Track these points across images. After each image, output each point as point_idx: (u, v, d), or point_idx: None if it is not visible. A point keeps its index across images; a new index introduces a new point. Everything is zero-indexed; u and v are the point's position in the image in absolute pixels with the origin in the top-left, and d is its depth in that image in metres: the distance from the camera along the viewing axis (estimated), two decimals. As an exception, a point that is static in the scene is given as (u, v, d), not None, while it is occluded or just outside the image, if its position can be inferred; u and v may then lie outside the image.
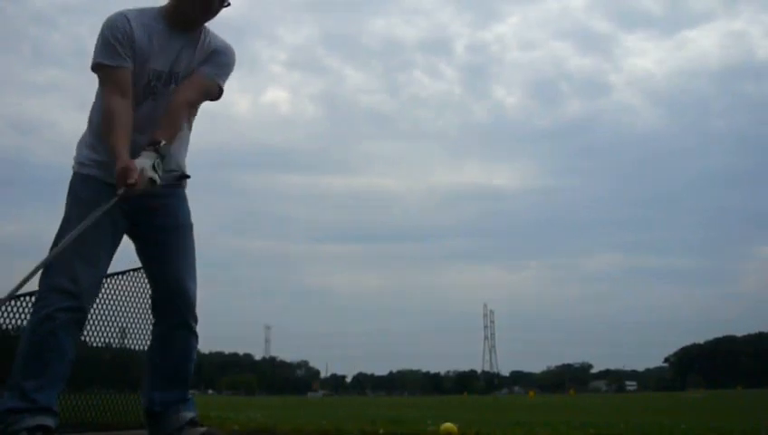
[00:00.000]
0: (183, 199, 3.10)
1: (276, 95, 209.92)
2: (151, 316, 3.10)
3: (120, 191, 2.62)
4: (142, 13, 2.93)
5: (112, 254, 2.94)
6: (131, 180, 2.60)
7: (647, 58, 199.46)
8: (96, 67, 2.86)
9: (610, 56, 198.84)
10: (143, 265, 3.13)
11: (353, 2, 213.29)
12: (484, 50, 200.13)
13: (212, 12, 2.92)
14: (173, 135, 2.86)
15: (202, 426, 3.03)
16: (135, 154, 2.74)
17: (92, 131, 2.95)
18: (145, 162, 2.68)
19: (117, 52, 2.82)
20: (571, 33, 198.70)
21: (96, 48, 2.85)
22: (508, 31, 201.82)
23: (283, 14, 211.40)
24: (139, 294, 4.70)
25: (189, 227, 3.10)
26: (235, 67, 3.09)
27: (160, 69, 2.90)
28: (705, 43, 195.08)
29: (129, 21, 2.86)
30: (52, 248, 2.77)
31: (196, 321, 3.05)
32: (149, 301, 3.12)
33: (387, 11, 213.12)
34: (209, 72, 2.97)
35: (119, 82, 2.82)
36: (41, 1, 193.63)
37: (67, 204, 2.94)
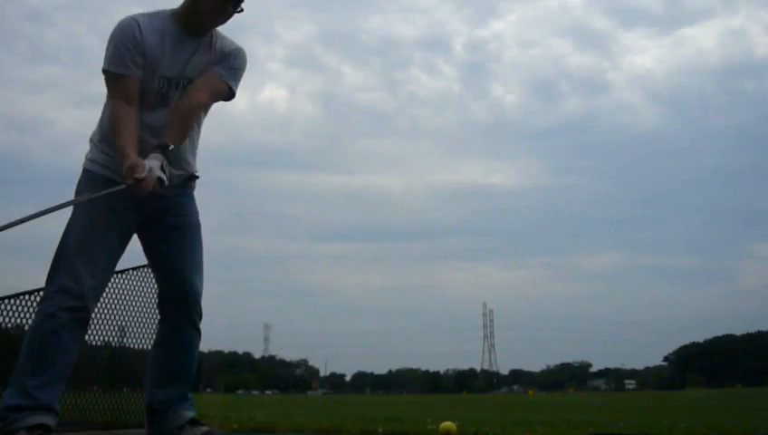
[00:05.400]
0: (192, 199, 3.14)
1: (274, 93, 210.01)
2: (157, 313, 3.11)
3: (129, 182, 2.67)
4: (155, 17, 2.91)
5: (120, 253, 2.96)
6: (139, 175, 2.65)
7: (646, 56, 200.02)
8: (103, 72, 2.87)
9: (609, 54, 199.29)
10: (151, 264, 3.14)
11: None
12: (483, 48, 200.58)
13: (225, 16, 2.91)
14: (182, 137, 2.90)
15: (203, 425, 3.03)
16: (146, 156, 2.79)
17: (103, 133, 2.95)
18: (153, 163, 2.73)
19: (125, 60, 2.82)
20: (569, 31, 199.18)
21: (106, 53, 2.85)
22: (507, 28, 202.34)
23: (281, 11, 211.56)
24: (139, 293, 4.70)
25: (198, 226, 3.13)
26: None
27: (170, 75, 2.90)
28: (705, 40, 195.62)
29: (140, 27, 2.85)
30: (60, 246, 2.83)
31: (200, 317, 3.08)
32: (155, 298, 3.13)
33: (385, 8, 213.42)
34: (220, 72, 2.98)
35: (124, 90, 2.83)
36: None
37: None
